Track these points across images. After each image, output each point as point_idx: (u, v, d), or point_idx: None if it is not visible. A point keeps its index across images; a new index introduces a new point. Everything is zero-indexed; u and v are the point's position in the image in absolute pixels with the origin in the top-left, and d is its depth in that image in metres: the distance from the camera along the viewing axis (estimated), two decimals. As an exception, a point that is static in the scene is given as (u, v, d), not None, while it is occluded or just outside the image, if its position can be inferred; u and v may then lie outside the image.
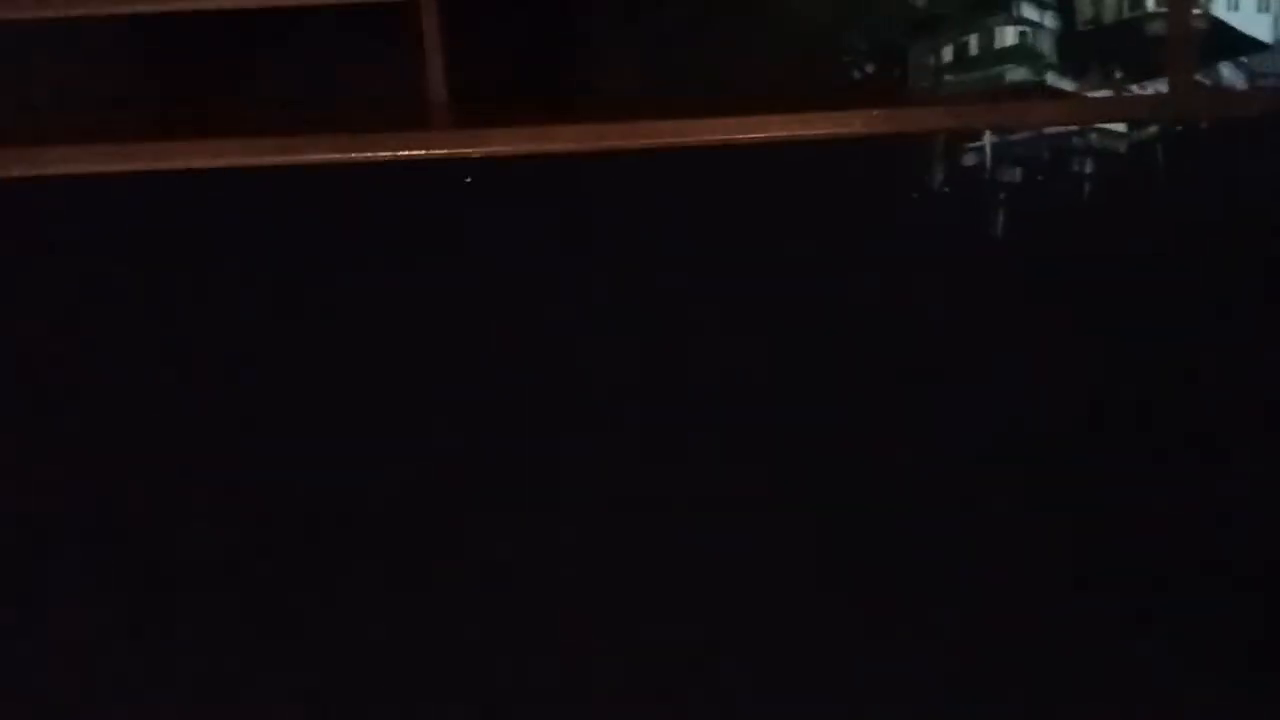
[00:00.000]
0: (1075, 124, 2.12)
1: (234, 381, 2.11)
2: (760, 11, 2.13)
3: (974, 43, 2.14)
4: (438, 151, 2.01)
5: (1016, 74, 2.13)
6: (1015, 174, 2.16)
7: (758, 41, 2.13)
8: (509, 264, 2.12)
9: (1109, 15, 2.12)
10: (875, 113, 2.05)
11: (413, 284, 2.10)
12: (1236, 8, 2.10)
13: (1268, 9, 2.10)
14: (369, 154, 2.00)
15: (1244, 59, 2.13)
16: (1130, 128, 2.15)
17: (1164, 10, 2.08)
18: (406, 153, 2.00)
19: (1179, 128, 2.14)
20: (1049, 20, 2.12)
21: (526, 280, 2.12)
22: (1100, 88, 2.12)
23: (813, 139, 2.06)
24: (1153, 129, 2.15)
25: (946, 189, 2.16)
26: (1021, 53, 2.13)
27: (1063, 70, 2.12)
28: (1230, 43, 2.13)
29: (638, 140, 2.04)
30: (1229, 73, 2.14)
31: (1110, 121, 2.13)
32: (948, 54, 2.16)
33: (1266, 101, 2.11)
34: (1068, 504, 2.10)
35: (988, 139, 2.14)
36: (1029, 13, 2.11)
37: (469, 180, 2.08)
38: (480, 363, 2.12)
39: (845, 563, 2.10)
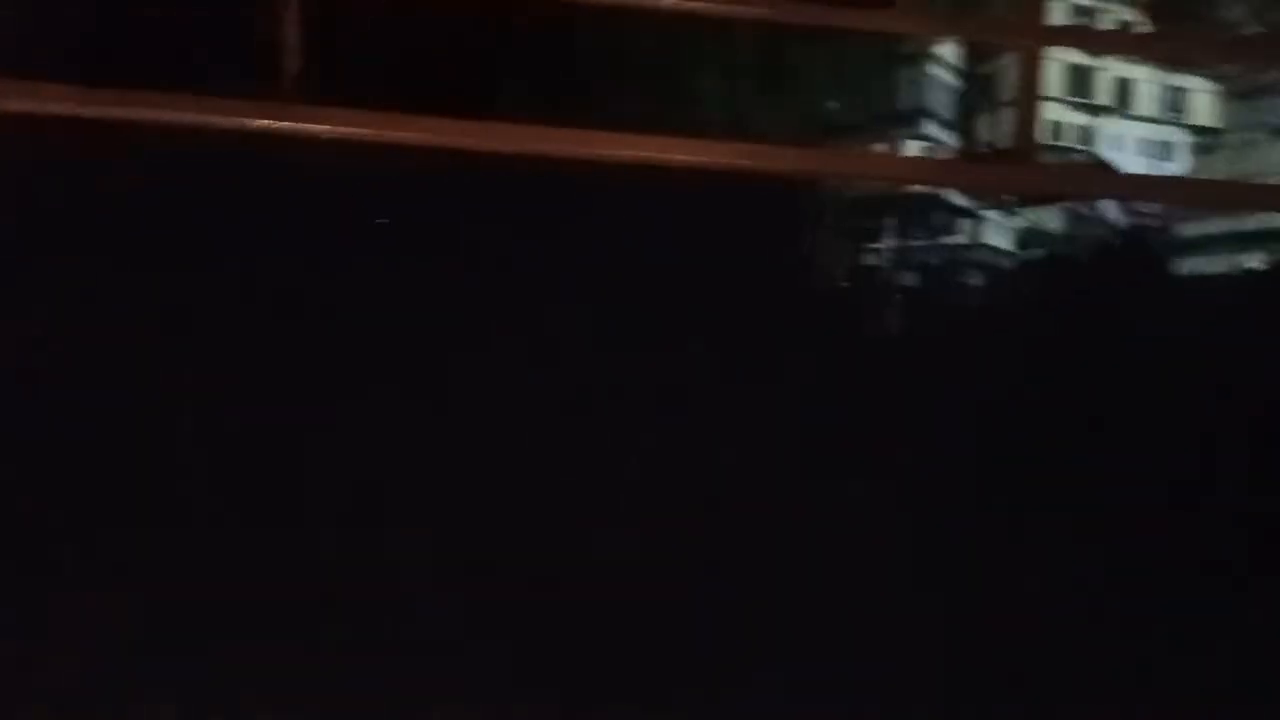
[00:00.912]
0: (929, 184, 2.15)
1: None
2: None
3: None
4: (283, 124, 1.94)
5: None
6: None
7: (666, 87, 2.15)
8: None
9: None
10: (737, 145, 2.06)
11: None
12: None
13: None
14: (209, 119, 1.92)
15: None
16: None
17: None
18: (251, 122, 1.93)
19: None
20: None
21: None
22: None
23: (675, 165, 2.05)
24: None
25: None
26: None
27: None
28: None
29: (491, 143, 1.99)
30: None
31: (959, 186, 2.17)
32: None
33: (1106, 182, 2.18)
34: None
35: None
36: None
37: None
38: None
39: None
